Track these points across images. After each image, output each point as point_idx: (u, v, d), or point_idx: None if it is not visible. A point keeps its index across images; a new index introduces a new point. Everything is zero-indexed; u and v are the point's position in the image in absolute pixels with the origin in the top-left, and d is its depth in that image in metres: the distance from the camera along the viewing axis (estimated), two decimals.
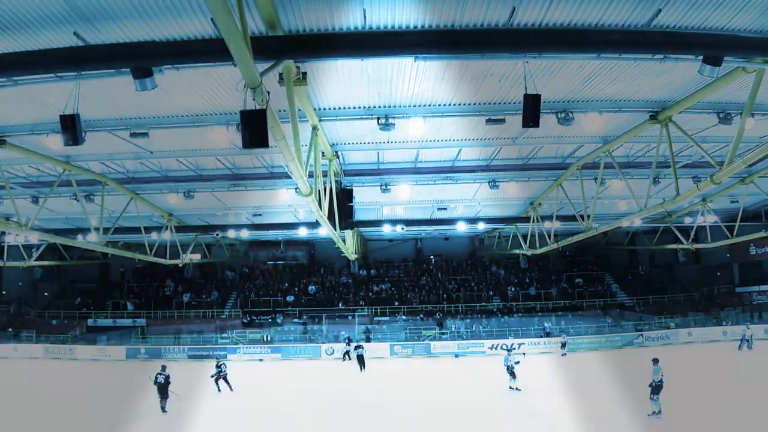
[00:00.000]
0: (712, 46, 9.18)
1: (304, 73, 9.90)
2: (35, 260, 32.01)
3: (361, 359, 26.17)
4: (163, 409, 17.43)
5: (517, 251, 35.06)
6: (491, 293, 40.95)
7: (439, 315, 37.66)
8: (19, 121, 13.60)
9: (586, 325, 35.13)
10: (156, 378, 17.81)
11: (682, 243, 31.62)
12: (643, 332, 33.10)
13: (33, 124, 13.74)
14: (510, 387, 19.63)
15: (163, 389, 17.68)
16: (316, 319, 37.66)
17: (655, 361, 15.31)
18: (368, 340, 33.40)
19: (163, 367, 18.23)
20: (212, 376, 20.93)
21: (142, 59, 8.91)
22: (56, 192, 18.73)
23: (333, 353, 32.07)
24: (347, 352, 29.23)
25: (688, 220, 30.45)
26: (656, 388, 14.86)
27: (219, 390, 20.81)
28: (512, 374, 19.68)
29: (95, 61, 9.16)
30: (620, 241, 42.76)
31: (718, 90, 11.77)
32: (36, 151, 15.48)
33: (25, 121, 13.56)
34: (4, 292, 41.45)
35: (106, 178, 19.19)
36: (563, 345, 30.26)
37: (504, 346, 28.64)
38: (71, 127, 10.49)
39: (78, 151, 15.94)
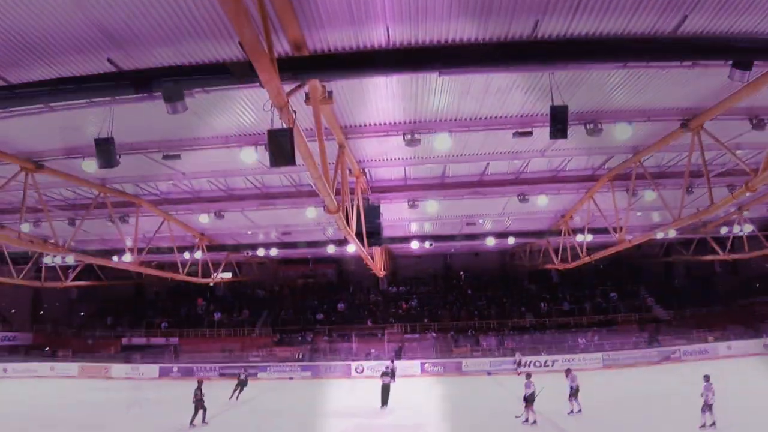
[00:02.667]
0: (742, 51, 8.93)
1: (330, 92, 10.01)
2: (72, 281, 32.83)
3: (386, 391, 21.18)
4: (202, 419, 18.20)
5: (548, 266, 34.49)
6: (523, 309, 40.29)
7: (471, 332, 37.19)
8: (55, 146, 14.06)
9: (622, 340, 34.23)
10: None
11: (719, 254, 30.62)
12: (680, 347, 32.05)
13: (69, 148, 14.19)
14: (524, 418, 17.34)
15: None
16: (346, 337, 37.60)
17: (707, 378, 15.07)
18: (399, 356, 32.75)
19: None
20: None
21: (173, 83, 9.15)
22: (92, 214, 19.26)
23: (363, 371, 31.93)
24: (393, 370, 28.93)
25: (724, 230, 29.47)
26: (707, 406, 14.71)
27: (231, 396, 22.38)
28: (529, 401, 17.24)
29: (128, 87, 9.44)
30: (655, 252, 41.66)
31: (750, 95, 11.33)
32: (72, 174, 15.99)
33: (62, 145, 14.01)
34: (41, 312, 42.64)
35: (140, 200, 19.67)
36: (519, 364, 29.36)
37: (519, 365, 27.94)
38: (106, 151, 10.81)
39: (113, 173, 16.34)
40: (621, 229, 20.43)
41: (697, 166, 15.57)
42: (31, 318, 42.08)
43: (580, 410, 18.08)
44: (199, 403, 18.08)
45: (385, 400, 20.82)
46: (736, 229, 27.29)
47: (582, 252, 26.12)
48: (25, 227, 19.46)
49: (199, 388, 18.40)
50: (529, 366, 30.37)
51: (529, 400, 17.14)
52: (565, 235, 25.57)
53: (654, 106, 12.98)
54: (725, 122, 13.53)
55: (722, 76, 9.70)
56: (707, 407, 14.74)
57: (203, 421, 18.07)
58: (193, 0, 7.85)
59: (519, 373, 27.46)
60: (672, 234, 27.04)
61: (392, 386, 21.48)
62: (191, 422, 17.74)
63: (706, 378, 15.07)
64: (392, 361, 28.02)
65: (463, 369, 31.79)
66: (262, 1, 6.45)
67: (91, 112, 11.43)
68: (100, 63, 9.41)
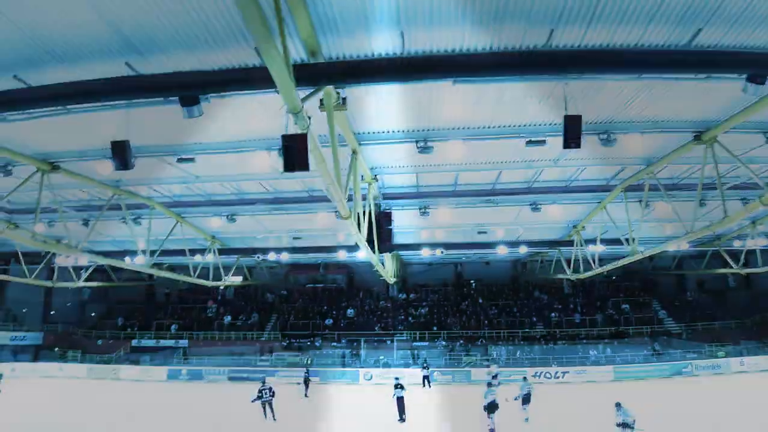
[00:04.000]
0: (756, 65, 8.96)
1: (344, 99, 10.08)
2: (84, 281, 33.00)
3: (401, 404, 20.23)
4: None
5: (560, 276, 34.24)
6: (534, 319, 40.00)
7: (481, 341, 36.98)
8: (72, 147, 14.30)
9: (633, 353, 33.86)
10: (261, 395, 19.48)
11: (732, 267, 30.17)
12: (693, 361, 31.62)
13: (85, 150, 14.43)
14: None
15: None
16: (355, 343, 37.54)
17: (618, 405, 14.44)
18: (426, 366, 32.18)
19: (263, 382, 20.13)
20: (253, 401, 19.71)
21: (189, 88, 9.27)
22: (105, 215, 19.45)
23: (371, 378, 31.87)
24: (426, 377, 29.08)
25: (737, 244, 29.10)
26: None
27: (265, 416, 19.48)
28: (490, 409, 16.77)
29: (145, 91, 9.61)
30: (667, 265, 41.20)
31: (764, 109, 11.30)
32: (87, 176, 16.20)
33: (78, 147, 14.26)
34: (52, 312, 42.97)
35: (153, 202, 19.86)
36: (495, 376, 27.73)
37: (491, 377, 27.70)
38: (121, 153, 10.97)
39: (127, 176, 16.57)
40: (634, 240, 20.26)
41: (711, 179, 15.48)
42: (42, 318, 42.40)
43: (527, 419, 18.22)
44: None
45: (402, 414, 20.07)
46: (750, 243, 26.94)
47: (594, 263, 25.92)
48: (40, 227, 19.69)
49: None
50: (541, 377, 30.08)
51: (489, 409, 16.69)
52: (577, 245, 25.39)
53: (667, 118, 12.95)
54: (739, 135, 13.47)
55: (736, 90, 9.71)
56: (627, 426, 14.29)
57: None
58: (210, 6, 7.96)
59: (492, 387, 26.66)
60: (685, 247, 26.77)
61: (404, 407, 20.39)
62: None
63: (618, 405, 14.62)
64: (426, 368, 28.22)
65: (472, 378, 31.57)
66: (279, 8, 6.52)
67: (107, 115, 11.60)
68: (118, 67, 9.56)
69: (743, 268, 29.78)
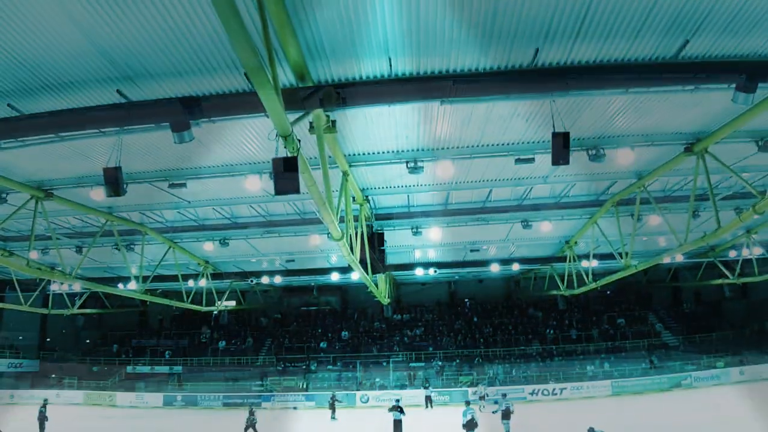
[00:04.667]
0: (745, 73, 8.93)
1: (334, 121, 10.15)
2: (78, 308, 32.85)
3: (398, 428, 20.45)
4: None
5: (554, 292, 34.20)
6: (530, 337, 39.87)
7: (477, 360, 36.78)
8: (65, 174, 14.28)
9: (631, 367, 33.75)
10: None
11: (728, 278, 30.26)
12: (692, 373, 31.51)
13: (78, 177, 14.39)
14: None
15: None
16: (350, 366, 37.21)
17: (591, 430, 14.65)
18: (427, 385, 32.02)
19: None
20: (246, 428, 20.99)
21: (180, 114, 9.33)
22: (99, 242, 19.36)
23: (368, 401, 31.55)
24: (428, 397, 29.07)
25: (732, 254, 29.15)
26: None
27: None
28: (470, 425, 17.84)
29: (136, 117, 9.65)
30: (662, 278, 41.17)
31: (756, 117, 11.22)
32: (81, 202, 16.15)
33: (71, 174, 14.22)
34: (48, 340, 42.62)
35: (145, 228, 19.79)
36: (482, 397, 28.15)
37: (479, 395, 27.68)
38: (114, 180, 10.96)
39: (120, 202, 16.48)
40: (627, 254, 20.30)
41: (703, 190, 15.55)
42: (38, 345, 42.07)
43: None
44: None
45: None
46: (745, 252, 26.98)
47: (588, 278, 25.93)
48: (34, 255, 19.56)
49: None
50: (539, 394, 29.88)
51: (468, 427, 17.70)
52: (570, 261, 25.44)
53: (657, 131, 13.01)
54: (731, 145, 13.48)
55: (726, 100, 9.72)
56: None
57: None
58: (199, 32, 8.06)
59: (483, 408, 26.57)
60: (679, 259, 26.86)
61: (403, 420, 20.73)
62: None
63: (591, 430, 14.61)
64: (427, 387, 28.13)
65: (470, 398, 31.26)
66: (268, 35, 6.61)
67: (99, 142, 11.65)
68: (109, 94, 9.62)
69: (739, 278, 29.83)
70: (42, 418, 22.25)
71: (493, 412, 19.22)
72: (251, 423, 21.27)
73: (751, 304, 40.38)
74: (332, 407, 27.54)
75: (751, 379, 30.46)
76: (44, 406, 22.73)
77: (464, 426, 17.68)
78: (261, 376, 36.47)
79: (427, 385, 30.62)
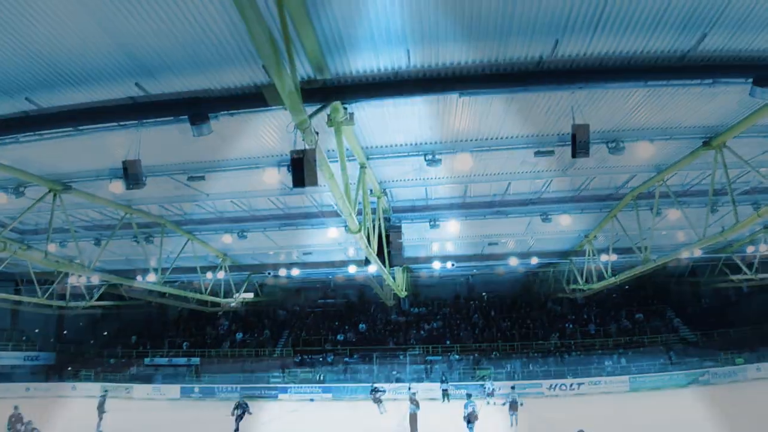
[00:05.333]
0: (762, 68, 8.88)
1: (351, 114, 10.13)
2: (95, 301, 33.24)
3: (413, 421, 19.96)
4: None
5: (573, 286, 33.92)
6: (548, 331, 39.64)
7: (495, 354, 36.68)
8: (84, 168, 14.44)
9: (649, 362, 33.42)
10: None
11: (746, 273, 29.83)
12: (710, 369, 31.10)
13: (97, 170, 14.55)
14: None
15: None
16: (367, 359, 37.35)
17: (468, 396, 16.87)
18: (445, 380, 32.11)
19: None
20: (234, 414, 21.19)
21: (199, 107, 9.40)
22: (117, 234, 19.61)
23: (384, 393, 31.68)
24: (445, 391, 28.83)
25: (750, 249, 28.75)
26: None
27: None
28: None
29: (155, 111, 9.75)
30: (681, 273, 40.59)
31: None
32: (99, 195, 16.37)
33: (90, 167, 14.39)
34: (65, 332, 43.17)
35: (164, 220, 20.01)
36: (490, 394, 27.64)
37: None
38: (133, 173, 11.09)
39: (138, 195, 16.66)
40: (646, 248, 20.08)
41: (721, 185, 15.33)
42: (55, 338, 42.60)
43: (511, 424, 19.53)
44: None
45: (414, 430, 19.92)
46: (763, 248, 26.50)
47: (607, 272, 25.69)
48: (51, 248, 19.88)
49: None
50: (556, 389, 29.71)
51: (468, 419, 18.19)
52: (589, 255, 25.21)
53: (676, 124, 12.86)
54: (749, 139, 13.37)
55: (744, 94, 9.66)
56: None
57: None
58: (219, 27, 8.09)
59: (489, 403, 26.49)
60: (698, 254, 26.43)
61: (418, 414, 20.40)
62: None
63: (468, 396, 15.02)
64: (444, 381, 27.94)
65: (487, 393, 31.21)
66: (286, 28, 6.62)
67: (118, 135, 11.73)
68: (128, 87, 9.71)
69: (757, 274, 29.37)
70: (101, 409, 22.22)
71: (502, 404, 19.40)
72: (240, 415, 21.12)
73: None
74: (378, 401, 26.33)
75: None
76: (104, 396, 22.52)
77: (465, 418, 18.20)
78: (281, 368, 36.67)
79: (445, 378, 30.60)
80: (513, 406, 20.44)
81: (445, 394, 29.31)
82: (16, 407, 18.51)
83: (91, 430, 21.46)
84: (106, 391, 20.50)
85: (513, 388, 22.71)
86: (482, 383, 29.97)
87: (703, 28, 8.58)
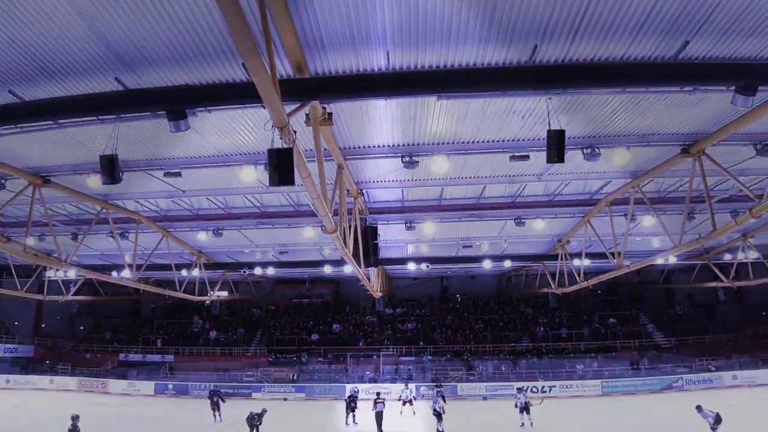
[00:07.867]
0: (745, 76, 8.90)
1: (330, 114, 10.15)
2: (72, 295, 32.95)
3: (379, 418, 20.78)
4: None
5: (545, 290, 34.37)
6: (520, 334, 40.07)
7: (466, 355, 36.93)
8: (63, 161, 14.22)
9: (621, 367, 33.94)
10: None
11: (722, 281, 30.22)
12: (683, 376, 31.62)
13: (75, 164, 14.35)
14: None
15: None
16: (341, 358, 37.32)
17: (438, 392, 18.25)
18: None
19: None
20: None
21: (177, 103, 9.31)
22: (94, 229, 19.36)
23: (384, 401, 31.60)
24: (404, 400, 26.20)
25: (728, 257, 29.17)
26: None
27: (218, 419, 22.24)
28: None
29: (134, 105, 9.63)
30: (655, 279, 41.14)
31: (755, 120, 11.15)
32: (77, 189, 16.13)
33: (68, 161, 14.17)
34: (43, 326, 42.63)
35: (140, 216, 19.76)
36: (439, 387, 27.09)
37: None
38: (109, 167, 10.92)
39: (115, 190, 16.52)
40: (619, 254, 20.40)
41: (699, 192, 15.54)
42: (33, 330, 42.06)
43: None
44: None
45: (380, 428, 20.44)
46: (741, 256, 26.79)
47: (579, 277, 26.06)
48: (31, 241, 19.56)
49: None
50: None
51: (437, 416, 19.77)
52: (562, 259, 25.55)
53: (654, 131, 12.96)
54: (729, 147, 13.44)
55: (725, 101, 9.70)
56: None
57: None
58: (199, 23, 8.05)
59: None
60: (673, 260, 26.81)
61: (384, 412, 21.13)
62: None
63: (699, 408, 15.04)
64: (406, 386, 27.37)
65: (458, 393, 31.47)
66: (267, 25, 6.62)
67: (97, 129, 11.62)
68: (108, 82, 9.60)
69: (734, 282, 29.67)
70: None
71: (515, 407, 21.29)
72: (216, 402, 22.96)
73: (745, 308, 40.22)
74: (410, 402, 25.12)
75: (743, 383, 30.45)
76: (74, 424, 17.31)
77: (434, 413, 19.64)
78: (255, 367, 36.45)
79: (439, 384, 29.86)
80: (526, 408, 21.10)
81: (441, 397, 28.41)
82: None
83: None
84: (76, 416, 16.87)
85: (520, 389, 23.53)
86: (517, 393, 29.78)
87: (686, 35, 8.61)
